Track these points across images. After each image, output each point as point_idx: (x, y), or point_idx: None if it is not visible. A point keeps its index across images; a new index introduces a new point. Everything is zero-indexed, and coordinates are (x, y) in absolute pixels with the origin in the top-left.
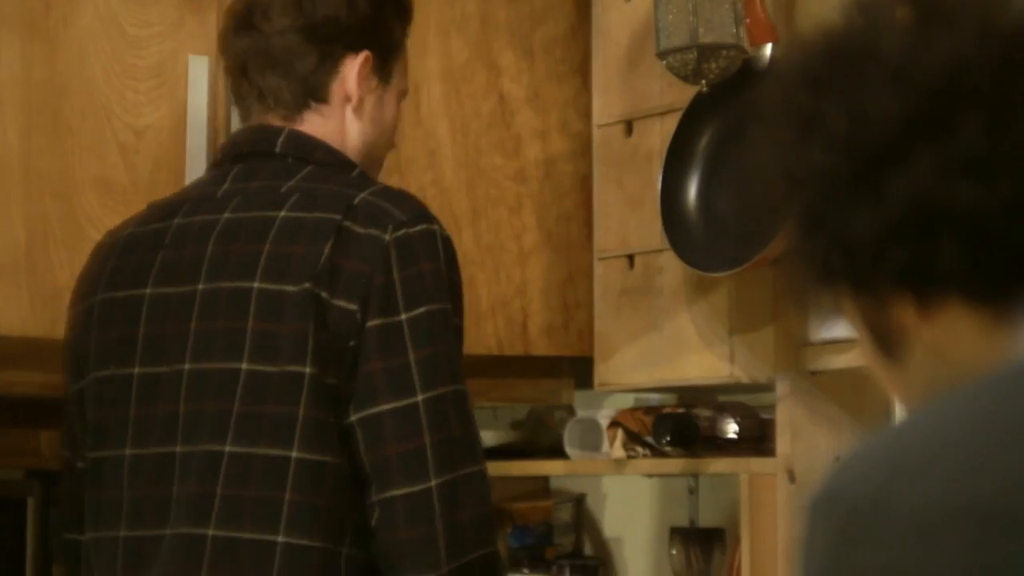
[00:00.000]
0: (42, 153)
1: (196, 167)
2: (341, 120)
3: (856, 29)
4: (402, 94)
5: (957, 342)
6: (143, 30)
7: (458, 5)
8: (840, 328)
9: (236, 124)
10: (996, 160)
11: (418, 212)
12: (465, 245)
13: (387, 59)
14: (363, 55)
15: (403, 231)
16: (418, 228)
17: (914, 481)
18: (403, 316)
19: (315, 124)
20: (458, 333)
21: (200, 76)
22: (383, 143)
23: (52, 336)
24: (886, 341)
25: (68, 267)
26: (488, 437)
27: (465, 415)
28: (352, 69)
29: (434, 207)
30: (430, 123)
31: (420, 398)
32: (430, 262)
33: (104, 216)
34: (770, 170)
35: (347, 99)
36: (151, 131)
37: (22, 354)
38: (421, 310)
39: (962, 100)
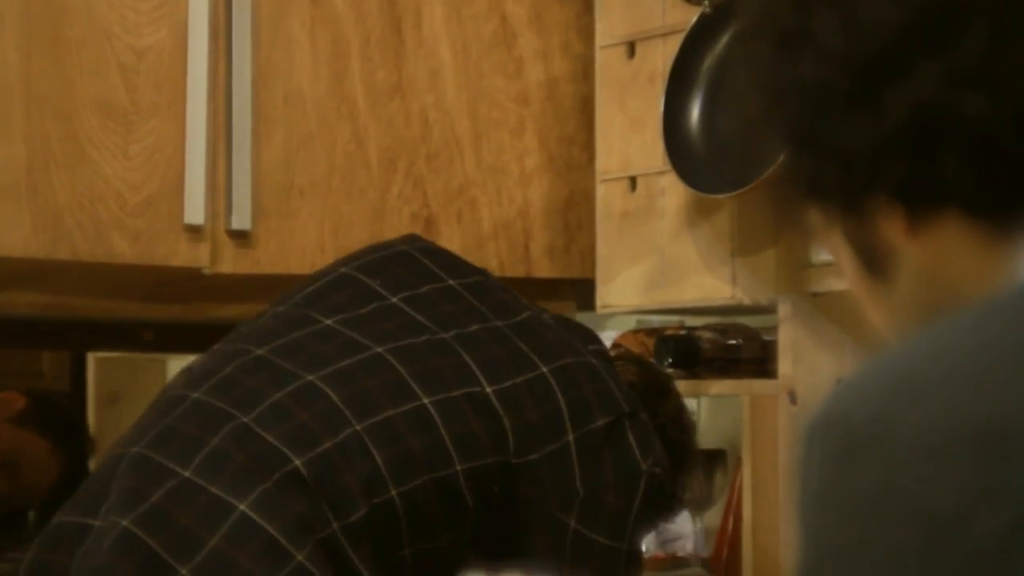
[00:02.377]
0: (42, 74)
1: (197, 88)
2: None
3: None
4: None
5: (950, 262)
6: None
7: None
8: None
9: (236, 45)
10: (1001, 70)
11: (649, 450)
12: (467, 167)
13: None
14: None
15: (653, 467)
16: (655, 467)
17: (914, 404)
18: None
19: None
20: None
21: None
22: None
23: (53, 257)
24: (873, 261)
25: (69, 188)
26: None
27: None
28: None
29: (435, 129)
30: (431, 45)
31: None
32: None
33: (105, 137)
34: (759, 86)
35: None
36: (152, 52)
37: (23, 275)
38: None
39: (963, 9)
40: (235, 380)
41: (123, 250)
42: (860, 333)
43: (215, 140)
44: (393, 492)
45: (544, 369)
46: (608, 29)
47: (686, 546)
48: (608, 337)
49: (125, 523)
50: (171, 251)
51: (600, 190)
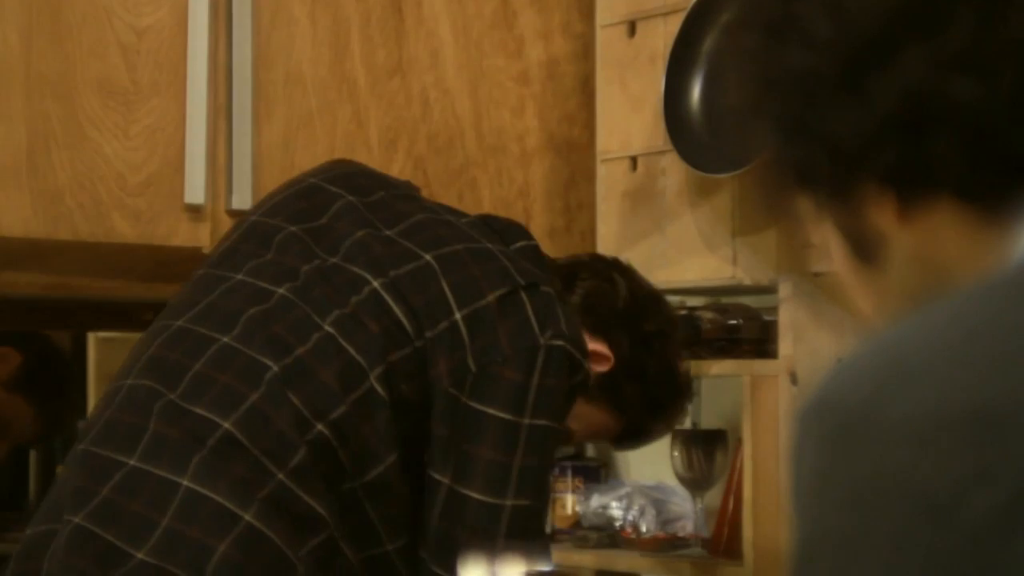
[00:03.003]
0: (43, 54)
1: (198, 68)
2: None
3: None
4: (569, 425)
5: (942, 247)
6: None
7: None
8: None
9: (237, 25)
10: (989, 53)
11: (551, 320)
12: (468, 147)
13: (606, 390)
14: (604, 349)
15: (540, 337)
16: (552, 339)
17: (907, 387)
18: None
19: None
20: None
21: None
22: None
23: (54, 237)
24: (863, 247)
25: (70, 168)
26: None
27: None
28: (588, 341)
29: (436, 109)
30: (432, 24)
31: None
32: None
33: (105, 117)
34: (747, 74)
35: None
36: (152, 31)
37: (24, 255)
38: None
39: None
40: (160, 358)
41: (123, 230)
42: (860, 313)
43: (216, 120)
44: (319, 426)
45: (427, 257)
46: (609, 8)
47: (686, 526)
48: None
49: (77, 520)
50: (172, 231)
51: (601, 170)
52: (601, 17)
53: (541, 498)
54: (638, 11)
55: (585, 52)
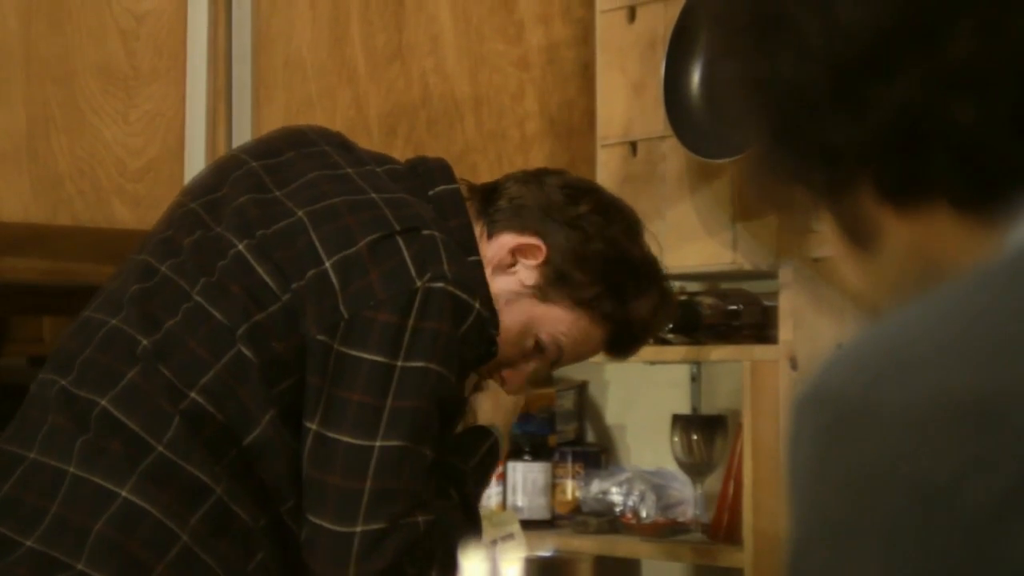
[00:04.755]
0: (42, 39)
1: (197, 53)
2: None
3: None
4: (544, 338)
5: (939, 240)
6: None
7: None
8: None
9: (237, 10)
10: (988, 71)
11: (432, 261)
12: (467, 132)
13: (556, 284)
14: (535, 240)
15: (417, 280)
16: (432, 281)
17: (905, 376)
18: None
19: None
20: None
21: None
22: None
23: (53, 222)
24: (858, 236)
25: (69, 154)
26: None
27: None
28: (515, 239)
29: (436, 94)
30: (432, 9)
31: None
32: None
33: (105, 102)
34: (734, 76)
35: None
36: (152, 16)
37: (24, 240)
38: None
39: (947, 9)
40: (61, 349)
41: (123, 215)
42: (861, 298)
43: (215, 105)
44: (192, 394)
45: (299, 213)
46: None
47: (686, 512)
48: None
49: None
50: None
51: (601, 155)
52: (601, 2)
53: (416, 440)
54: None
55: (585, 37)
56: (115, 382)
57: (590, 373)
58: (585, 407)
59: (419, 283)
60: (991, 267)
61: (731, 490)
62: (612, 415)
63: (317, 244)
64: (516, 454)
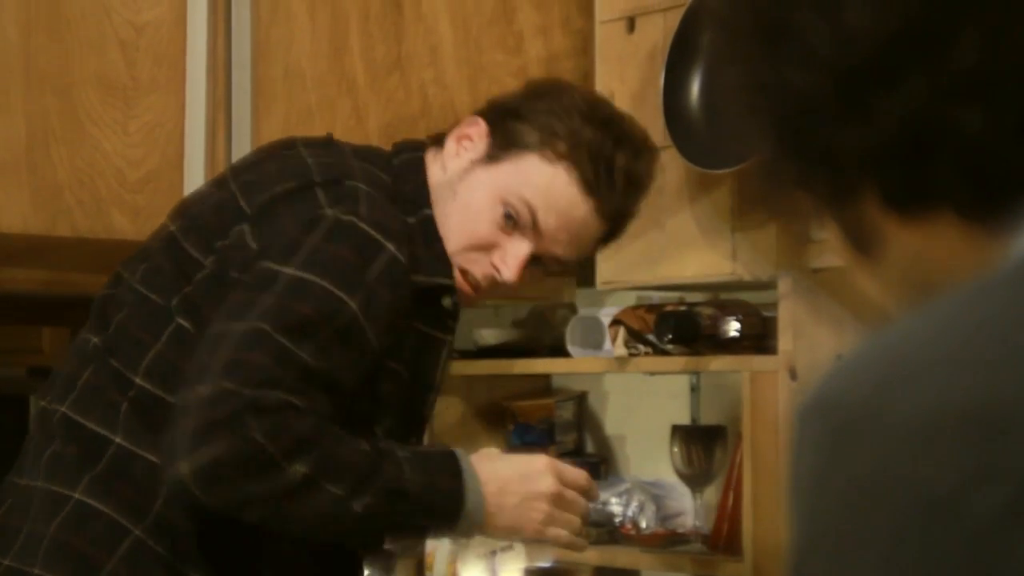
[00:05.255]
0: (42, 50)
1: (196, 64)
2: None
3: None
4: (504, 199)
5: (943, 248)
6: None
7: None
8: None
9: (236, 20)
10: (994, 80)
11: (348, 196)
12: None
13: (504, 146)
14: (472, 119)
15: (325, 209)
16: (341, 213)
17: (908, 385)
18: None
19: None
20: None
21: None
22: (450, 217)
23: (53, 233)
24: (862, 242)
25: (68, 165)
26: (490, 335)
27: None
28: (455, 132)
29: (435, 105)
30: (431, 20)
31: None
32: None
33: (104, 113)
34: (739, 83)
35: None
36: (151, 27)
37: (23, 251)
38: None
39: (954, 15)
40: (56, 372)
41: (123, 226)
42: (860, 309)
43: (215, 115)
44: (137, 379)
45: (233, 187)
46: (608, 4)
47: (686, 522)
48: (608, 313)
49: None
50: None
51: None
52: (600, 13)
53: (285, 333)
54: (637, 7)
55: (584, 48)
56: (73, 386)
57: (590, 384)
58: (584, 417)
59: (328, 212)
60: (994, 276)
61: (731, 500)
62: (611, 426)
63: (242, 205)
64: None
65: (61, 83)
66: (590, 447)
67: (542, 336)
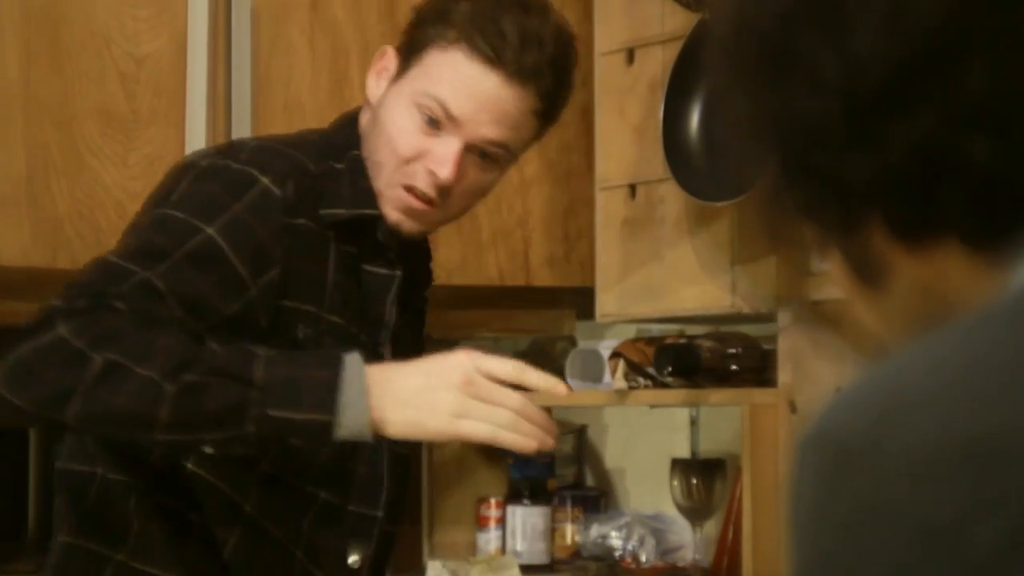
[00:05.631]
0: (42, 82)
1: (196, 96)
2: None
3: None
4: (417, 103)
5: (947, 278)
6: None
7: None
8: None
9: (236, 52)
10: (1004, 108)
11: (231, 151)
12: None
13: (408, 57)
14: (386, 47)
15: (203, 160)
16: (217, 160)
17: (908, 417)
18: None
19: (364, 113)
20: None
21: (200, 3)
22: (377, 143)
23: (53, 266)
24: (867, 273)
25: (68, 197)
26: None
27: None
28: (377, 59)
29: None
30: None
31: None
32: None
33: (104, 145)
34: (744, 110)
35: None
36: (151, 59)
37: (23, 284)
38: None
39: (962, 43)
40: None
41: None
42: (860, 341)
43: None
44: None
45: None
46: (607, 36)
47: (686, 556)
48: (608, 346)
49: None
50: None
51: (600, 198)
52: (600, 45)
53: (122, 254)
54: (636, 39)
55: (584, 80)
56: (62, 436)
57: (590, 417)
58: (584, 451)
59: (204, 162)
60: (994, 308)
61: (731, 534)
62: (611, 459)
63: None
64: (515, 498)
65: (61, 115)
66: (590, 480)
67: (542, 369)
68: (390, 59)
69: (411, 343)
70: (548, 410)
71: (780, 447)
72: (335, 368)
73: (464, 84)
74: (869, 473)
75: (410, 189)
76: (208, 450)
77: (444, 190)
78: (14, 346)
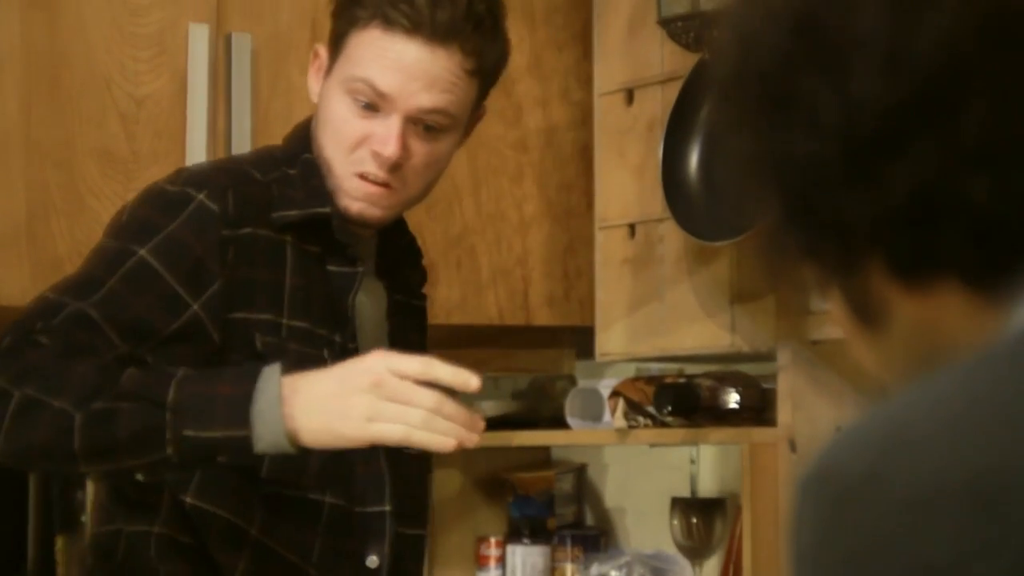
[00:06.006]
0: (42, 122)
1: (197, 136)
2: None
3: (823, 2)
4: (348, 89)
5: (946, 318)
6: None
7: None
8: None
9: (236, 93)
10: (1003, 148)
11: (172, 176)
12: (466, 214)
13: (333, 49)
14: (314, 50)
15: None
16: (156, 187)
17: (908, 457)
18: None
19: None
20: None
21: (201, 44)
22: (322, 139)
23: None
24: (866, 313)
25: (68, 237)
26: (489, 407)
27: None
28: (312, 60)
29: None
30: None
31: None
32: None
33: (104, 186)
34: (744, 151)
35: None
36: (151, 100)
37: None
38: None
39: (960, 84)
40: None
41: None
42: (860, 381)
43: None
44: None
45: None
46: (607, 76)
47: None
48: (608, 385)
49: None
50: None
51: (599, 237)
52: (599, 85)
53: (57, 288)
54: (636, 79)
55: (583, 119)
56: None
57: (590, 456)
58: (584, 490)
59: (143, 192)
60: (993, 348)
61: (731, 573)
62: (611, 498)
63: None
64: (515, 537)
65: (61, 155)
66: (590, 519)
67: (541, 408)
68: (322, 58)
69: (416, 345)
70: (548, 449)
71: (780, 486)
72: (249, 381)
73: (386, 59)
74: (869, 512)
75: (363, 176)
76: (139, 477)
77: (395, 168)
78: None
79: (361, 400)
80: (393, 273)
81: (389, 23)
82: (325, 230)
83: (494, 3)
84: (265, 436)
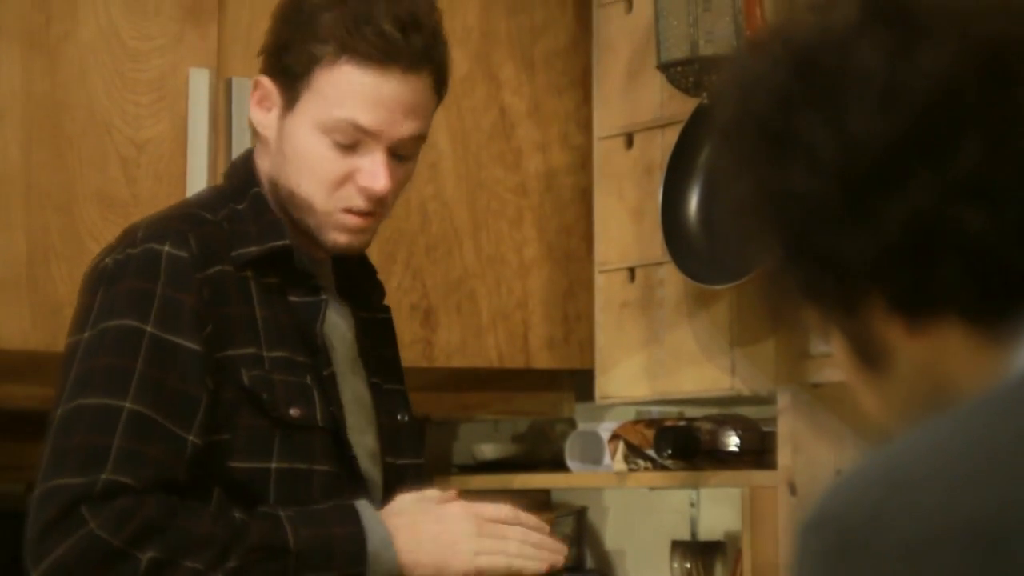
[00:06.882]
0: (43, 167)
1: (197, 180)
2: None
3: (822, 41)
4: (326, 129)
5: (948, 359)
6: (144, 43)
7: (459, 17)
8: None
9: (237, 136)
10: (998, 181)
11: (128, 238)
12: (466, 258)
13: (292, 85)
14: (258, 78)
15: (106, 259)
16: (118, 255)
17: (907, 502)
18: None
19: (258, 151)
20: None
21: (201, 89)
22: (296, 178)
23: (53, 349)
24: (870, 355)
25: (69, 281)
26: (489, 450)
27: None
28: (254, 92)
29: (435, 220)
30: (431, 136)
31: (59, 409)
32: (121, 282)
33: (105, 230)
34: (744, 191)
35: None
36: (152, 144)
37: (23, 367)
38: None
39: (956, 120)
40: None
41: None
42: (860, 424)
43: None
44: None
45: None
46: (606, 120)
47: None
48: (608, 428)
49: None
50: None
51: (599, 280)
52: (599, 129)
53: (87, 392)
54: (635, 123)
55: (583, 163)
56: None
57: (590, 499)
58: (584, 532)
59: (107, 261)
60: (995, 390)
61: None
62: (611, 540)
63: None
64: None
65: (62, 199)
66: (590, 562)
67: (541, 451)
68: (268, 89)
69: (391, 360)
70: (548, 492)
71: (780, 529)
72: (353, 521)
73: (367, 96)
74: (870, 556)
75: (349, 210)
76: None
77: (381, 200)
78: (41, 540)
79: (466, 539)
80: (354, 293)
81: (362, 58)
82: (284, 262)
83: (436, 8)
84: (378, 571)
